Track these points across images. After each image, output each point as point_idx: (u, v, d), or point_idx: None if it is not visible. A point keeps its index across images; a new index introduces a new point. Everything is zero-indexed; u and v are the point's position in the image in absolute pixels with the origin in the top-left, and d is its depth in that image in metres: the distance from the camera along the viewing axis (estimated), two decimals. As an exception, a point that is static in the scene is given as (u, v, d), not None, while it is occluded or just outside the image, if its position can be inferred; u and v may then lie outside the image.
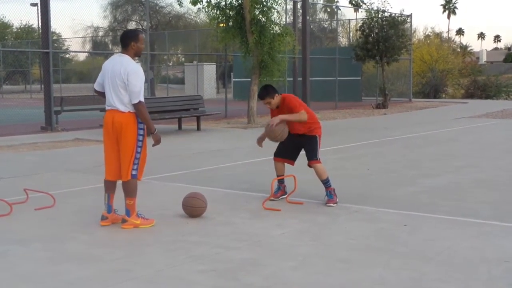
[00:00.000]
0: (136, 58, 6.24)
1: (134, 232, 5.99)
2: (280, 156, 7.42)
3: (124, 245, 5.56)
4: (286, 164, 7.47)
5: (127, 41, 6.06)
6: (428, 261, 5.01)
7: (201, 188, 7.89)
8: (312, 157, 7.20)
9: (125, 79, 5.89)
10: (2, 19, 48.65)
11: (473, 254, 5.20)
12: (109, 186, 6.29)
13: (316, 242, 5.62)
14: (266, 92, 7.20)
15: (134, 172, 6.14)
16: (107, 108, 6.12)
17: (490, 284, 4.50)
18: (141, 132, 6.11)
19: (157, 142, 6.22)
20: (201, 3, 17.89)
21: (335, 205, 7.03)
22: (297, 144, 7.38)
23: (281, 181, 7.47)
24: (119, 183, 6.30)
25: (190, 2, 17.78)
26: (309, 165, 7.28)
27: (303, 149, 7.39)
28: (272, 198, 7.25)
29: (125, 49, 6.07)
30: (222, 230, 6.03)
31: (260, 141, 7.46)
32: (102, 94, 6.24)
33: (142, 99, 5.98)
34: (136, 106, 5.95)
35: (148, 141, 6.23)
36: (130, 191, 6.14)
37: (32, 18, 75.35)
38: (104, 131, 6.16)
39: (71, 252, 5.34)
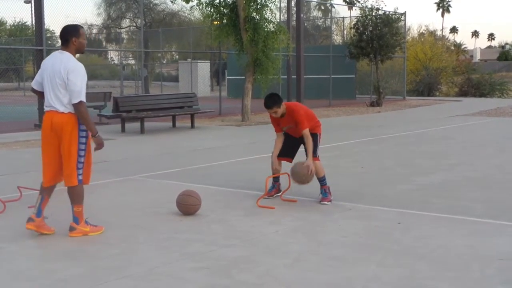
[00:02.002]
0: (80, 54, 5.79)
1: (127, 229, 5.98)
2: (280, 156, 7.39)
3: (117, 242, 5.55)
4: (283, 161, 7.47)
5: (67, 36, 5.64)
6: (422, 259, 5.03)
7: (195, 185, 7.88)
8: (312, 154, 7.19)
9: (65, 78, 5.50)
10: (-5, 16, 48.52)
11: (466, 252, 5.22)
12: (46, 189, 5.86)
13: (310, 240, 5.62)
14: (273, 101, 7.10)
15: (80, 178, 5.70)
16: (45, 109, 5.68)
17: (483, 282, 4.51)
18: (84, 134, 5.65)
19: (99, 145, 5.72)
20: (193, 1, 17.88)
21: (329, 203, 7.03)
22: (296, 142, 7.38)
23: (276, 180, 7.47)
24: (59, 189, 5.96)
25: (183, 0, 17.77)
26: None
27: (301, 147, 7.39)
28: (266, 196, 7.26)
29: (65, 45, 5.66)
30: (216, 228, 6.03)
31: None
32: (40, 94, 5.82)
33: (83, 99, 5.55)
34: (76, 106, 5.51)
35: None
36: (77, 197, 5.73)
37: (26, 16, 75.24)
38: (42, 134, 5.72)
39: (65, 250, 5.33)
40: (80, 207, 5.75)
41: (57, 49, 5.84)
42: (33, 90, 5.90)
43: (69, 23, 5.74)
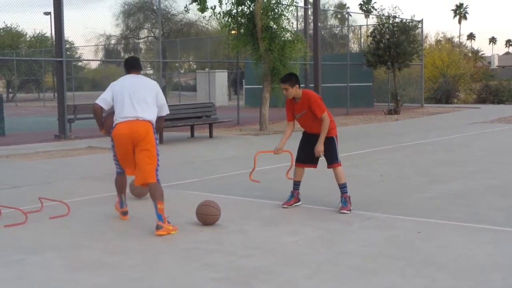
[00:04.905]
0: None
1: (147, 240, 6.02)
2: (302, 162, 7.38)
3: (138, 253, 5.59)
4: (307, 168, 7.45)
5: (139, 64, 6.86)
6: (442, 268, 5.01)
7: (214, 195, 7.91)
8: (333, 160, 7.18)
9: (154, 94, 6.59)
10: (16, 28, 48.91)
11: (487, 261, 5.19)
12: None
13: (329, 250, 5.62)
14: (288, 78, 7.25)
15: (158, 177, 6.51)
16: (122, 120, 6.43)
17: (504, 291, 4.49)
18: (157, 140, 6.66)
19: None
20: (208, 10, 17.93)
21: (348, 212, 7.02)
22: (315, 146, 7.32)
23: (296, 187, 7.45)
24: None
25: (198, 9, 17.85)
26: (329, 167, 7.28)
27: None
28: (285, 206, 7.30)
29: (138, 71, 6.79)
30: (236, 238, 6.05)
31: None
32: (101, 111, 6.63)
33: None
34: (164, 117, 6.97)
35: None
36: (160, 194, 6.32)
37: (46, 27, 75.85)
38: (120, 139, 6.50)
39: (86, 260, 5.37)
40: (162, 204, 6.25)
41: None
42: (98, 106, 6.58)
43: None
